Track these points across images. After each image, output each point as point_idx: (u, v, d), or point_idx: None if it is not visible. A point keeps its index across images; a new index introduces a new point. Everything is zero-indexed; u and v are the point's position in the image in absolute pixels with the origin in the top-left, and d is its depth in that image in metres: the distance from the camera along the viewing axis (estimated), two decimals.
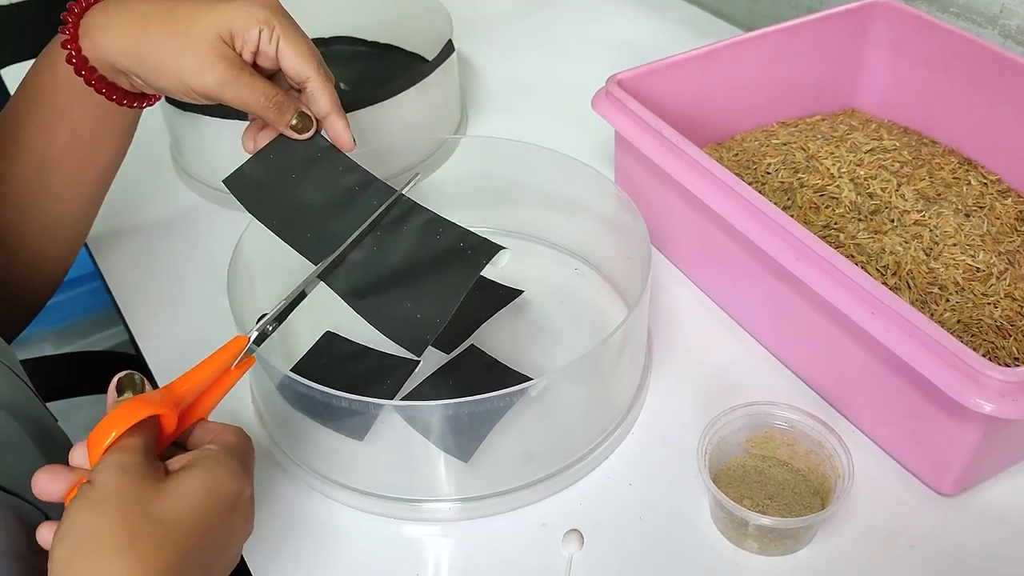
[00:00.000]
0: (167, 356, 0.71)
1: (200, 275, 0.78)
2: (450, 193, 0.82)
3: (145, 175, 0.91)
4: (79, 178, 0.63)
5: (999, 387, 0.50)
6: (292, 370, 0.63)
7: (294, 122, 0.58)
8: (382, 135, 0.84)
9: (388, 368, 0.67)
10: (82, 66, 0.57)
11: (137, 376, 0.46)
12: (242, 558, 0.55)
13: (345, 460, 0.61)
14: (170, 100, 0.83)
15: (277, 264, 0.72)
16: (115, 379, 0.46)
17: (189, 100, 0.57)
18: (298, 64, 0.56)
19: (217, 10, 0.55)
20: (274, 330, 0.55)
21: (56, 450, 0.56)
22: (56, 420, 0.61)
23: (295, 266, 0.77)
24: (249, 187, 0.61)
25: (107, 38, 0.55)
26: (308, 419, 0.60)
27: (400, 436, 0.57)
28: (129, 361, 1.13)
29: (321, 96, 0.57)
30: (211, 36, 0.54)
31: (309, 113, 0.58)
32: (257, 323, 0.54)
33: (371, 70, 1.00)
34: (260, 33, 0.55)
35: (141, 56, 0.55)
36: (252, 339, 0.52)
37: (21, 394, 0.55)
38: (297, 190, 0.61)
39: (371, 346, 0.69)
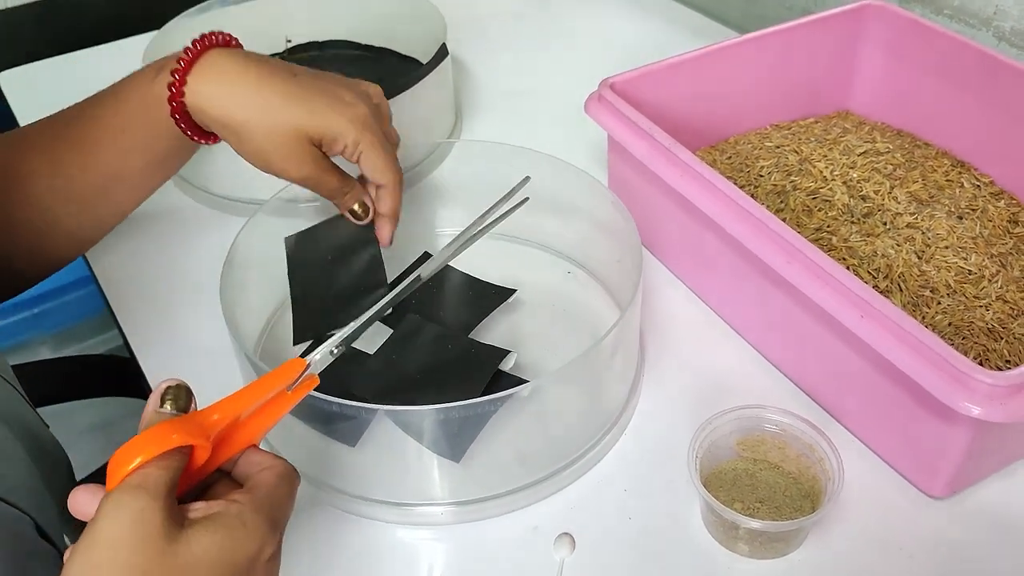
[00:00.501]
0: (161, 360, 0.72)
1: (195, 280, 0.78)
2: (444, 197, 0.82)
3: None
4: (141, 191, 0.67)
5: (988, 391, 0.50)
6: None
7: (355, 208, 0.66)
8: None
9: (381, 372, 0.67)
10: (184, 120, 0.60)
11: (185, 389, 0.43)
12: None
13: (338, 464, 0.61)
14: None
15: (270, 270, 0.72)
16: (161, 386, 0.42)
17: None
18: (376, 175, 0.63)
19: (314, 119, 0.59)
20: (339, 353, 0.52)
21: (46, 456, 0.57)
22: (47, 426, 0.61)
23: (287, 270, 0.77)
24: (297, 251, 0.70)
25: (211, 109, 0.59)
26: (300, 423, 0.60)
27: (393, 440, 0.58)
28: (126, 365, 1.14)
29: (388, 201, 0.65)
30: (304, 138, 0.60)
31: (369, 204, 0.66)
32: (319, 346, 0.51)
33: (365, 73, 0.99)
34: (345, 148, 0.61)
35: (239, 136, 0.60)
36: (311, 362, 0.48)
37: (11, 399, 0.55)
38: (328, 270, 0.69)
39: (364, 350, 0.69)
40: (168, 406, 0.42)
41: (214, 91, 0.59)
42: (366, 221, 0.66)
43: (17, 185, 0.62)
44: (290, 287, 0.70)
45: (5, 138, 0.64)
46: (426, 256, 0.78)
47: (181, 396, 0.42)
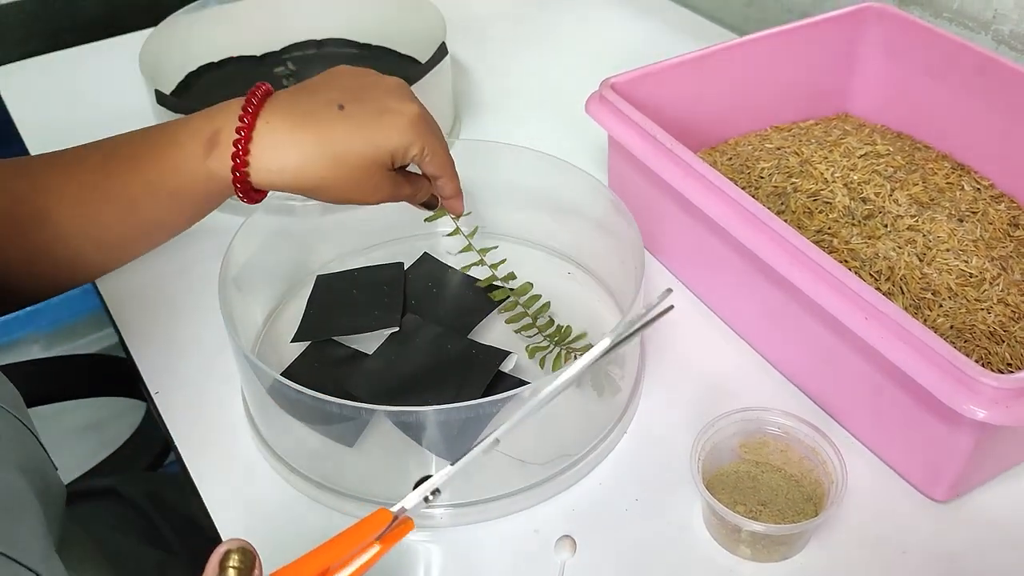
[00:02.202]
0: (158, 359, 0.71)
1: (192, 278, 0.78)
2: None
3: None
4: (177, 232, 0.62)
5: (992, 394, 0.50)
6: (283, 374, 0.63)
7: (428, 200, 0.65)
8: None
9: (380, 373, 0.67)
10: (245, 190, 0.56)
11: (251, 553, 0.38)
12: None
13: (336, 465, 0.61)
14: (161, 102, 0.82)
15: (268, 269, 0.72)
16: (220, 550, 0.38)
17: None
18: (439, 170, 0.62)
19: (379, 148, 0.56)
20: (435, 498, 0.46)
21: (51, 498, 0.53)
22: (49, 457, 0.59)
23: (285, 268, 0.77)
24: (327, 279, 0.75)
25: (282, 183, 0.56)
26: (299, 423, 0.59)
27: (391, 441, 0.57)
28: (117, 365, 1.13)
29: (451, 184, 0.64)
30: (376, 168, 0.57)
31: (435, 193, 0.65)
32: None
33: None
34: (415, 156, 0.59)
35: (317, 194, 0.57)
36: (400, 512, 0.44)
37: (29, 446, 0.52)
38: (350, 294, 0.73)
39: (363, 351, 0.69)
40: (232, 575, 0.37)
41: (277, 165, 0.55)
42: (435, 211, 0.67)
43: (43, 227, 0.57)
44: (308, 299, 0.73)
45: (31, 179, 0.58)
46: (426, 257, 0.77)
47: (247, 561, 0.38)
